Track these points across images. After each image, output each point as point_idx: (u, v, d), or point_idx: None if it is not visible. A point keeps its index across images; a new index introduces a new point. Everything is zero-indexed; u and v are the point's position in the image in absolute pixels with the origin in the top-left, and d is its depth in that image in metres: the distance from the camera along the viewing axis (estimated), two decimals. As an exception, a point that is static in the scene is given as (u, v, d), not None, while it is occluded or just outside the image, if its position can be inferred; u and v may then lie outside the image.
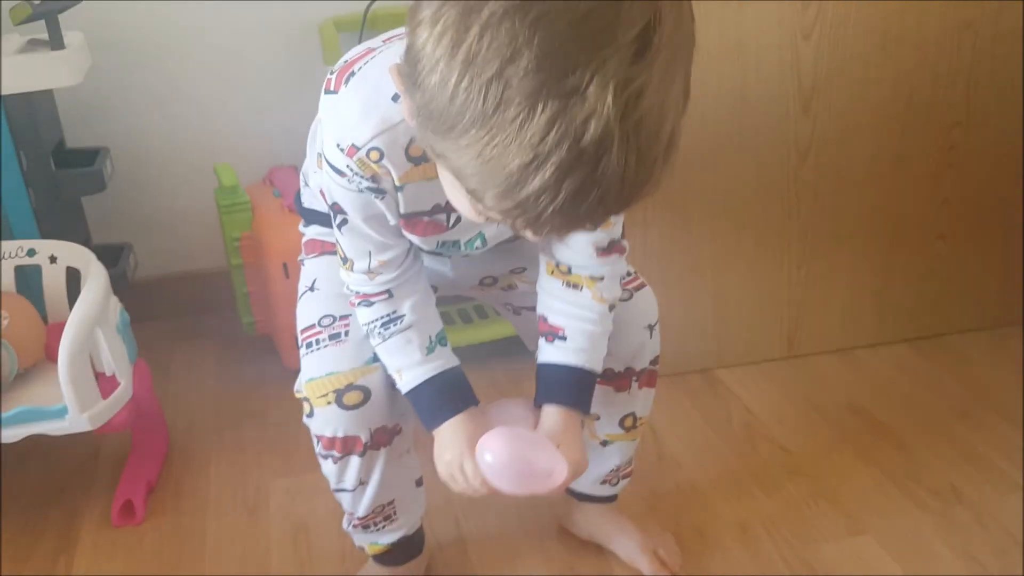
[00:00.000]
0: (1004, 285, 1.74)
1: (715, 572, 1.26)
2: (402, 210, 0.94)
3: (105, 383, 1.33)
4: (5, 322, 1.35)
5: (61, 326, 1.29)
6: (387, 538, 1.18)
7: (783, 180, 1.58)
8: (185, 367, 1.78)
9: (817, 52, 1.50)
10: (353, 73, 0.88)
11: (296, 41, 1.79)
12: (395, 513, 1.15)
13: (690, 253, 1.60)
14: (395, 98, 0.84)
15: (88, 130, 1.76)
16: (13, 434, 1.28)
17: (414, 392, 1.02)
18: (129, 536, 1.37)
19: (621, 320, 1.08)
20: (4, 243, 1.44)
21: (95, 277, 1.38)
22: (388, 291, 1.01)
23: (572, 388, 1.03)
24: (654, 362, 1.16)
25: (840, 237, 1.64)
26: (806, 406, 1.58)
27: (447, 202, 0.84)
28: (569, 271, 1.02)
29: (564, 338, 1.02)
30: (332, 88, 0.89)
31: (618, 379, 1.14)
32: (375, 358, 1.03)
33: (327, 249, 1.11)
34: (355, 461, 1.07)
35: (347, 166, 0.89)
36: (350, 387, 1.02)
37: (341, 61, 0.90)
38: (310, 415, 1.05)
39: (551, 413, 1.02)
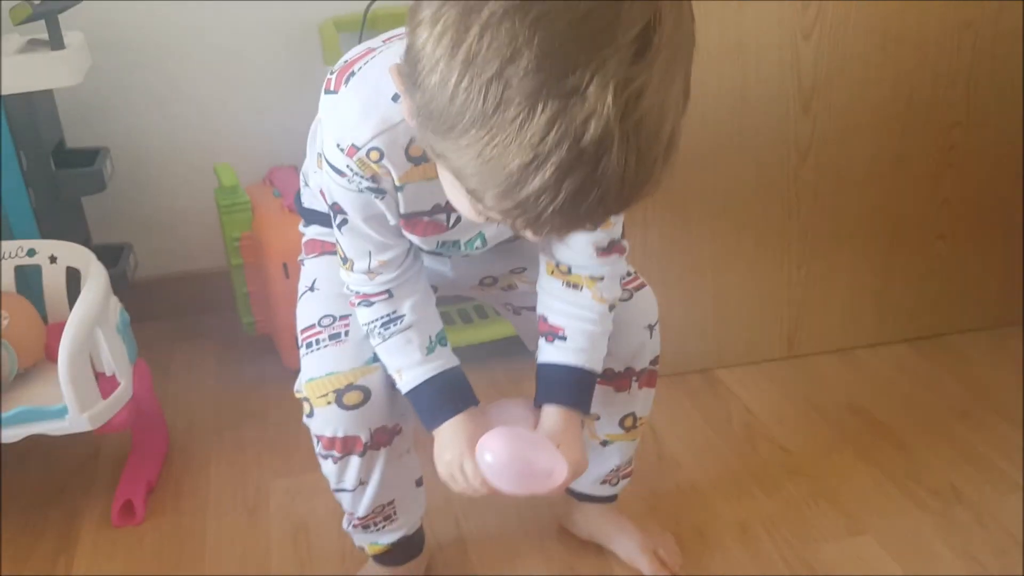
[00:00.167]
0: (1004, 285, 1.74)
1: (715, 572, 1.26)
2: (402, 210, 0.94)
3: (105, 383, 1.33)
4: (5, 322, 1.35)
5: (61, 326, 1.29)
6: (387, 538, 1.18)
7: (783, 180, 1.58)
8: (185, 367, 1.78)
9: (817, 52, 1.50)
10: (353, 73, 0.88)
11: (296, 41, 1.79)
12: (395, 513, 1.15)
13: (690, 253, 1.60)
14: (395, 98, 0.84)
15: (88, 130, 1.76)
16: (13, 434, 1.28)
17: (414, 392, 1.02)
18: (129, 536, 1.37)
19: (621, 320, 1.08)
20: (4, 243, 1.44)
21: (95, 277, 1.38)
22: (388, 291, 1.01)
23: (572, 388, 1.03)
24: (654, 362, 1.16)
25: (840, 237, 1.64)
26: (806, 406, 1.59)
27: (447, 202, 0.84)
28: (569, 271, 1.02)
29: (564, 338, 1.02)
30: (332, 88, 0.89)
31: (618, 379, 1.14)
32: (375, 358, 1.03)
33: (327, 249, 1.11)
34: (355, 461, 1.07)
35: (347, 166, 0.89)
36: (350, 387, 1.02)
37: (341, 61, 0.90)
38: (310, 415, 1.05)
39: (551, 413, 1.02)
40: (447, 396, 1.02)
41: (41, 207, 1.57)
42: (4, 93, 1.46)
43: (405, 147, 0.88)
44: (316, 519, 1.38)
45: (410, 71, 0.70)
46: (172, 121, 1.82)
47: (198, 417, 1.63)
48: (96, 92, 1.72)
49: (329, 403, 1.02)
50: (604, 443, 1.21)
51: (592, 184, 0.66)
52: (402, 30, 0.75)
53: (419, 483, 1.18)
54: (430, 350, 1.02)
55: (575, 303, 1.02)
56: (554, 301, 1.03)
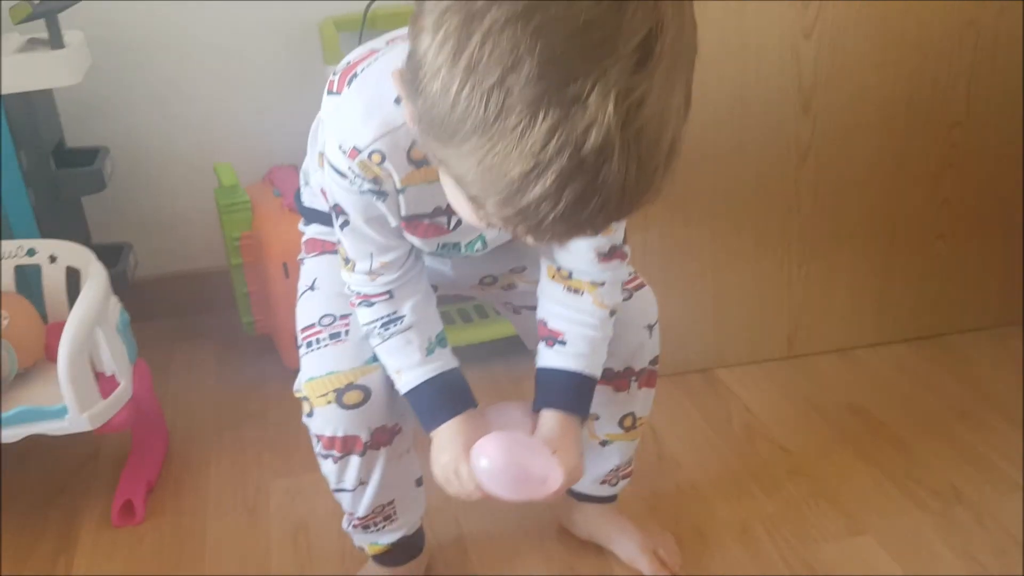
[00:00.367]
0: (1004, 285, 1.74)
1: (715, 572, 1.26)
2: (403, 212, 0.94)
3: (105, 383, 1.33)
4: (5, 322, 1.35)
5: (61, 326, 1.29)
6: (387, 538, 1.18)
7: (783, 180, 1.58)
8: (185, 367, 1.78)
9: (817, 52, 1.50)
10: (356, 75, 0.88)
11: (296, 41, 1.79)
12: (395, 513, 1.15)
13: (690, 253, 1.60)
14: (397, 101, 0.84)
15: (88, 130, 1.76)
16: (13, 434, 1.28)
17: (413, 393, 1.02)
18: (129, 536, 1.37)
19: (621, 320, 1.07)
20: (4, 243, 1.44)
21: (95, 277, 1.38)
22: (389, 292, 1.01)
23: (571, 393, 1.03)
24: (654, 362, 1.16)
25: (840, 237, 1.64)
26: (806, 406, 1.59)
27: (448, 205, 0.84)
28: (570, 276, 1.02)
29: (564, 343, 1.02)
30: (335, 89, 0.89)
31: (617, 379, 1.14)
32: (375, 358, 1.03)
33: (327, 248, 1.11)
34: (355, 461, 1.07)
35: (349, 168, 0.89)
36: (350, 386, 1.02)
37: (344, 62, 0.90)
38: (310, 415, 1.05)
39: (549, 418, 1.02)
40: (446, 397, 1.02)
41: (41, 207, 1.56)
42: (4, 92, 1.46)
43: (407, 150, 0.88)
44: (316, 519, 1.38)
45: (412, 77, 0.70)
46: (172, 121, 1.82)
47: (198, 417, 1.63)
48: (96, 92, 1.72)
49: (329, 402, 1.02)
50: (604, 443, 1.21)
51: (593, 192, 0.66)
52: (405, 30, 0.75)
53: (419, 483, 1.18)
54: (430, 351, 1.02)
55: (576, 308, 1.02)
56: (555, 306, 1.03)
